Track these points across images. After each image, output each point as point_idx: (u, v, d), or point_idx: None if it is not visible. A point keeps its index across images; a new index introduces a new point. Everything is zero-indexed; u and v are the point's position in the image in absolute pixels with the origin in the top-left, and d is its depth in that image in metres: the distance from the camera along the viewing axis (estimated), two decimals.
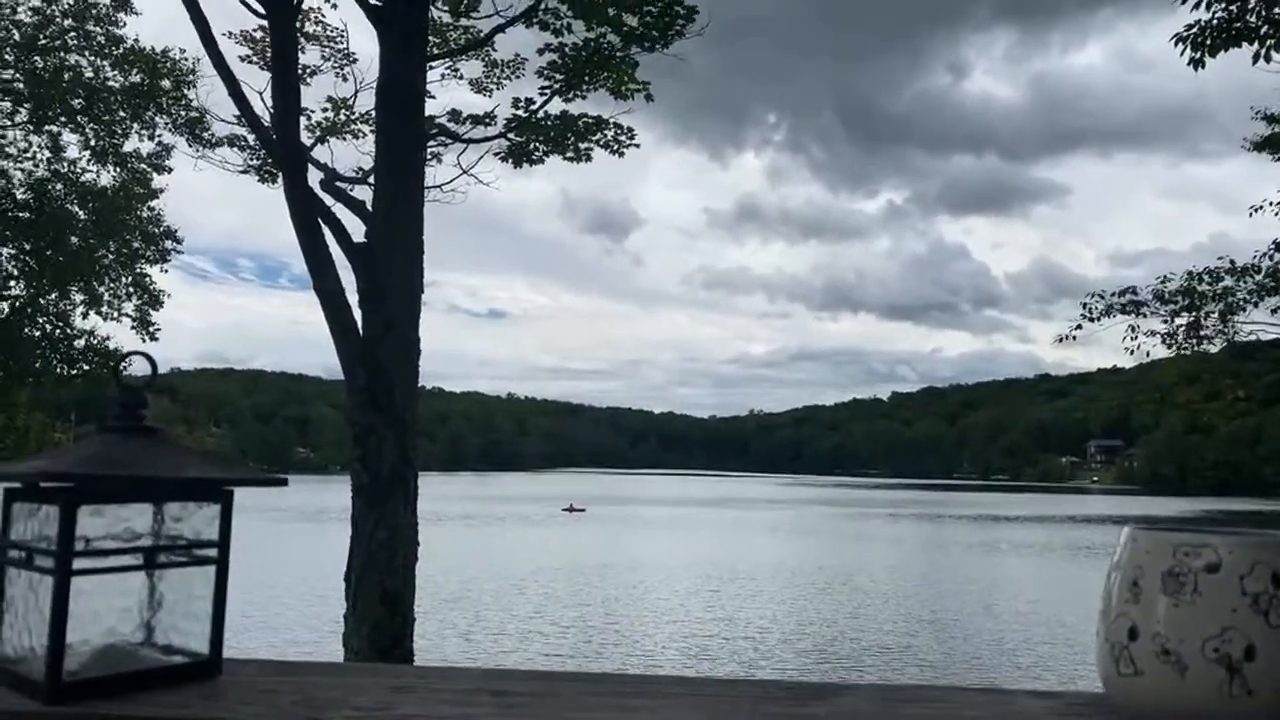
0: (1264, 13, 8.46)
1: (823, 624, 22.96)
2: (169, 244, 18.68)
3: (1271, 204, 14.94)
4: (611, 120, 9.20)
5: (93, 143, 17.22)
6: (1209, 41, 8.44)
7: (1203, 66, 8.54)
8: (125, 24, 16.16)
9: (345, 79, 9.88)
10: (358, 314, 6.66)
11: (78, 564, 1.00)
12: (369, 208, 7.03)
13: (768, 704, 1.10)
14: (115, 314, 18.47)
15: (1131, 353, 16.16)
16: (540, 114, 8.92)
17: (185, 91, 15.95)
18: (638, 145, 9.44)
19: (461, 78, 9.89)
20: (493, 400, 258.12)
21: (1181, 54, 8.54)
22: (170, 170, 17.90)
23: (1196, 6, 8.35)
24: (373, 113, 7.71)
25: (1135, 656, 0.95)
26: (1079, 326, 16.06)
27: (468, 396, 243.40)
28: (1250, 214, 15.13)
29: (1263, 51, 8.53)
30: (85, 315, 18.34)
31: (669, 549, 43.01)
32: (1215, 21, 8.44)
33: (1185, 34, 8.51)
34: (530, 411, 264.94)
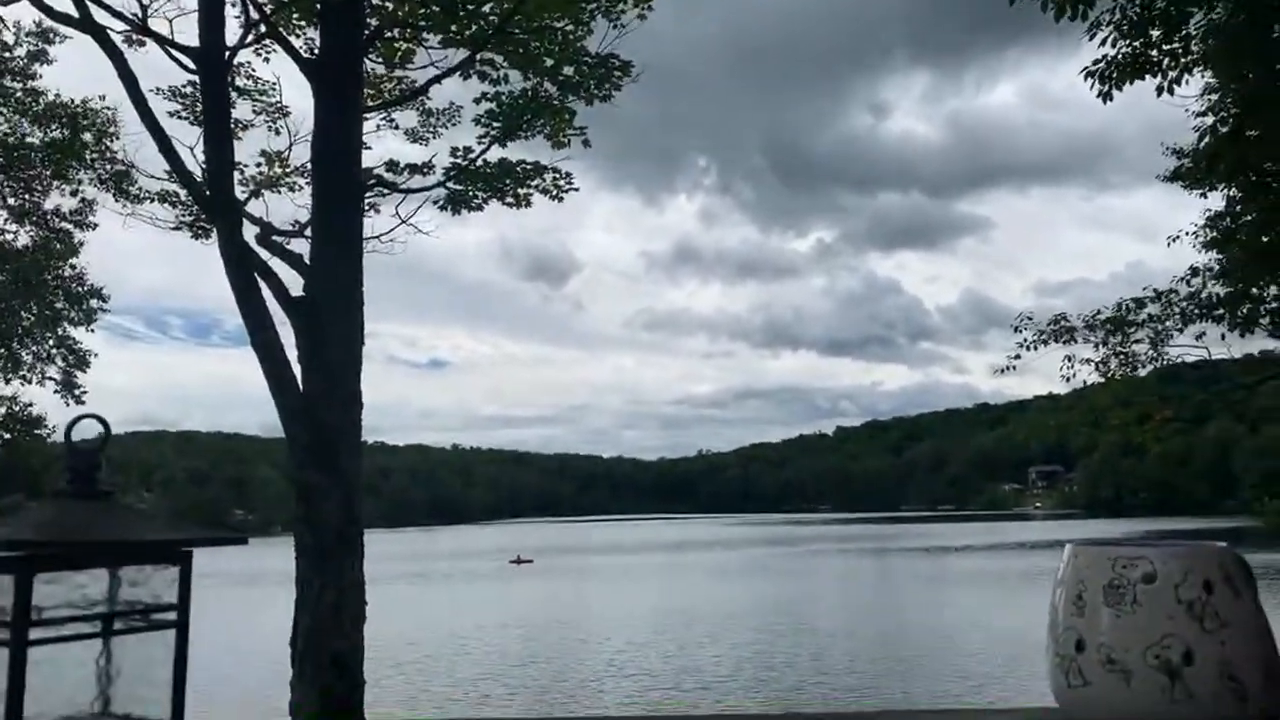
0: (1165, 46, 8.97)
1: (782, 665, 22.85)
2: (94, 303, 18.15)
3: (1186, 233, 15.74)
4: (550, 166, 9.26)
5: (11, 201, 16.73)
6: (1115, 75, 8.90)
7: (1111, 99, 9.00)
8: (41, 76, 15.78)
9: (278, 132, 9.76)
10: (297, 369, 6.56)
11: (34, 634, 0.98)
12: (306, 261, 6.96)
13: None
14: (39, 378, 17.86)
15: (1068, 380, 16.75)
16: (479, 161, 8.95)
17: (108, 144, 15.54)
18: (577, 189, 9.46)
19: (397, 128, 9.87)
20: (436, 452, 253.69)
21: (1091, 87, 9.00)
22: (95, 227, 17.44)
23: (1103, 44, 8.83)
24: (308, 165, 7.66)
25: (1083, 668, 0.99)
26: (1017, 356, 16.62)
27: (411, 449, 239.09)
28: (1169, 243, 15.92)
29: (1165, 84, 9.02)
30: (7, 381, 17.71)
31: (620, 598, 42.55)
32: (1120, 57, 8.91)
33: (1093, 68, 8.98)
34: (476, 461, 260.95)
